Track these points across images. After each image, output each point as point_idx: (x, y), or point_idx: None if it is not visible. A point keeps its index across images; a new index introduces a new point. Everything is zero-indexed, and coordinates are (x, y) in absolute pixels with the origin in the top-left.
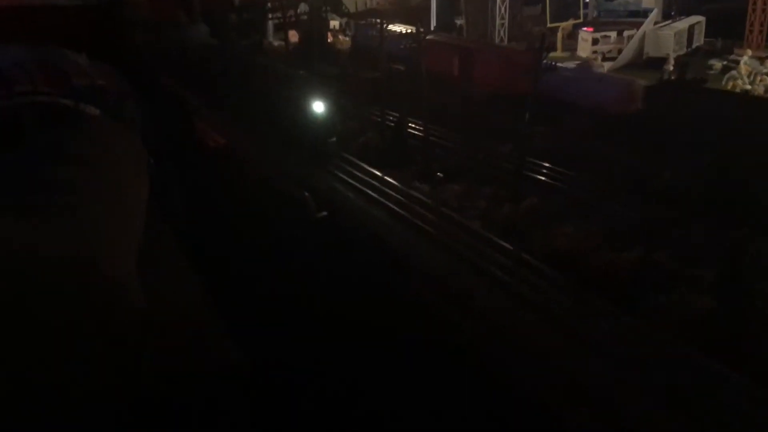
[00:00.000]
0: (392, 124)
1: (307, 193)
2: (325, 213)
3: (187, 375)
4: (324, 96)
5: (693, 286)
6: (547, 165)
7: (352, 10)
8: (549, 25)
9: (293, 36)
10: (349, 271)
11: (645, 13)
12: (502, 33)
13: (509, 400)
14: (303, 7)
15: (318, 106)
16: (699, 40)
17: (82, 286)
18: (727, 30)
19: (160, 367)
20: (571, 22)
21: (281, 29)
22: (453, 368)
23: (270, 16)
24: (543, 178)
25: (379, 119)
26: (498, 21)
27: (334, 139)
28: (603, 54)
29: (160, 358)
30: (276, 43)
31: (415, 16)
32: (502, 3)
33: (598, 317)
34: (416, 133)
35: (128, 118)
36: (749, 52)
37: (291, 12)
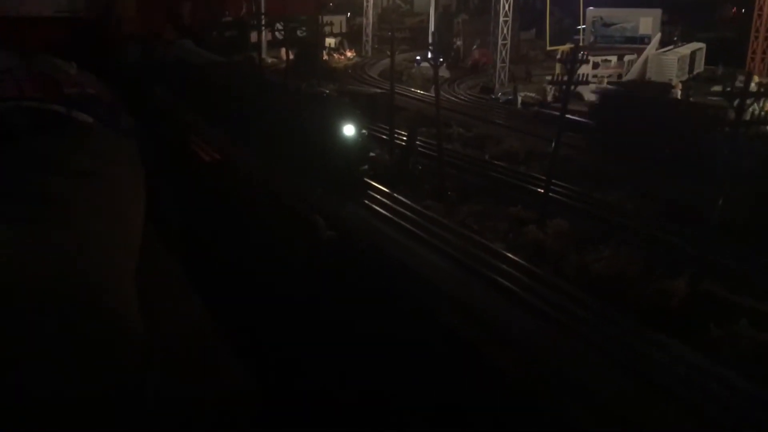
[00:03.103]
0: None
1: (318, 216)
2: (333, 233)
3: (194, 402)
4: (352, 118)
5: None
6: None
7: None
8: (548, 48)
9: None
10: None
11: (642, 39)
12: (504, 54)
13: None
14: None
15: (348, 130)
16: (700, 66)
17: (81, 313)
18: (724, 57)
19: (165, 394)
20: (568, 46)
21: (272, 47)
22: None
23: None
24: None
25: (386, 137)
26: (500, 42)
27: (366, 166)
28: (604, 78)
29: (165, 384)
30: (269, 60)
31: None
32: (505, 25)
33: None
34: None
35: (123, 128)
36: (756, 78)
37: (279, 27)
